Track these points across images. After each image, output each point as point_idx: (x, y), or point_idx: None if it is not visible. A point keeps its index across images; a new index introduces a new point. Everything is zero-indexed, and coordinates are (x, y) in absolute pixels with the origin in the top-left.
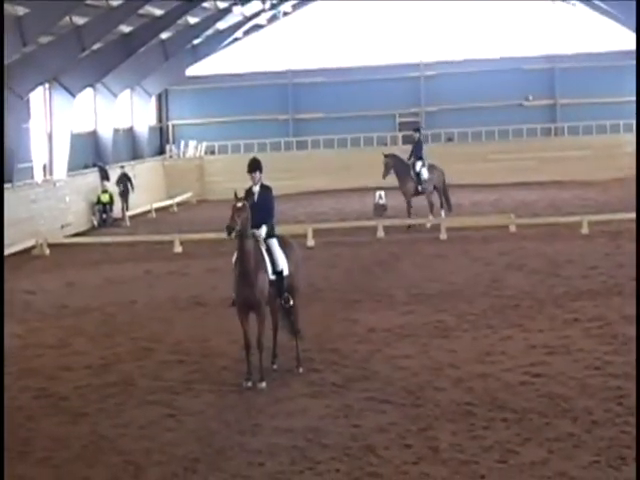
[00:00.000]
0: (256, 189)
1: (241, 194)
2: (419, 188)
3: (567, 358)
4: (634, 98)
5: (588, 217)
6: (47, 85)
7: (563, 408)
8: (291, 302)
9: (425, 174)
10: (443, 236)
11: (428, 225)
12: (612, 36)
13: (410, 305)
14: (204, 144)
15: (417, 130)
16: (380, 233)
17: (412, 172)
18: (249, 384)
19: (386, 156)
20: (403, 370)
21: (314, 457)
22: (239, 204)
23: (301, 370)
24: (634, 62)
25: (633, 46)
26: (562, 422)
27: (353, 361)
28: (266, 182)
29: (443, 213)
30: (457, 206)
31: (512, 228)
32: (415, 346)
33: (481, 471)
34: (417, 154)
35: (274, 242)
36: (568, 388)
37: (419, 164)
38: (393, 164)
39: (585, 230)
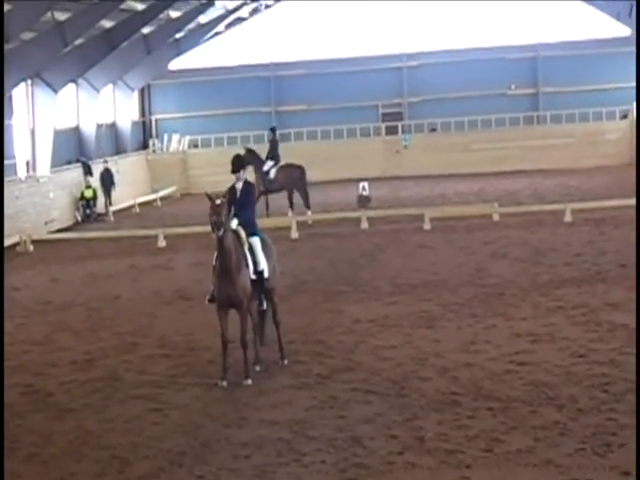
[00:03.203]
0: (239, 186)
1: (212, 194)
2: (261, 187)
3: (551, 346)
4: (616, 85)
5: (571, 205)
6: (29, 81)
7: (548, 396)
8: (264, 306)
9: (272, 174)
10: (427, 226)
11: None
12: (594, 24)
13: (394, 295)
14: (187, 138)
15: (272, 130)
16: (364, 224)
17: (261, 171)
18: (224, 383)
19: (245, 149)
20: (388, 360)
21: (300, 449)
22: (217, 201)
23: (286, 362)
24: (616, 50)
25: (615, 34)
26: (547, 410)
27: (338, 352)
28: (250, 178)
29: (290, 213)
30: (441, 196)
31: (496, 217)
32: (400, 336)
33: (467, 460)
34: (271, 154)
35: (257, 241)
36: (553, 376)
37: (269, 164)
38: (249, 159)
39: (568, 218)
